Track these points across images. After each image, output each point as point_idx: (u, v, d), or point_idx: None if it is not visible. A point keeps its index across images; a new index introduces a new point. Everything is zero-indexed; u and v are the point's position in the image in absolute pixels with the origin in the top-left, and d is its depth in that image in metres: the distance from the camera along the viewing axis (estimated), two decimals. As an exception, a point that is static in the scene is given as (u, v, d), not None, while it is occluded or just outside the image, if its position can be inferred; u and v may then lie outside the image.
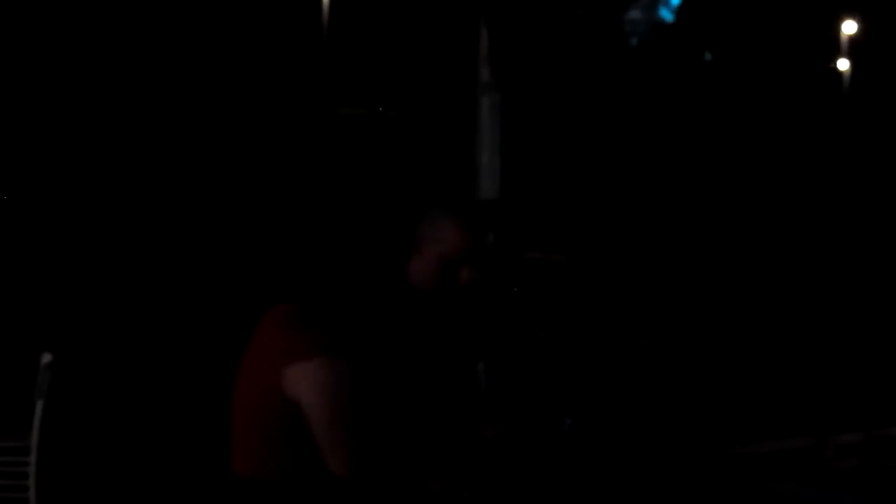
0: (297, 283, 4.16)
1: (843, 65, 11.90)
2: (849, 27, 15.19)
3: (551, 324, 7.70)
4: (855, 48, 12.18)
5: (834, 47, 12.32)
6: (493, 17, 9.13)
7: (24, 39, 17.72)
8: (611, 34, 9.70)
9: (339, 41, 16.92)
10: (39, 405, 6.29)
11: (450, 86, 10.25)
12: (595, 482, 7.94)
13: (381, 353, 4.14)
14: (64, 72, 18.06)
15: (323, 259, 4.42)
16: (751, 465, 9.05)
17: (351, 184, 10.82)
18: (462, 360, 4.41)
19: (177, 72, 15.70)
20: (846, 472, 8.98)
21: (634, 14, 10.21)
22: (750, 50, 11.73)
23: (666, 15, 10.36)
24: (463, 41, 9.51)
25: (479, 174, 9.10)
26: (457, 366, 4.40)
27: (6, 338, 10.06)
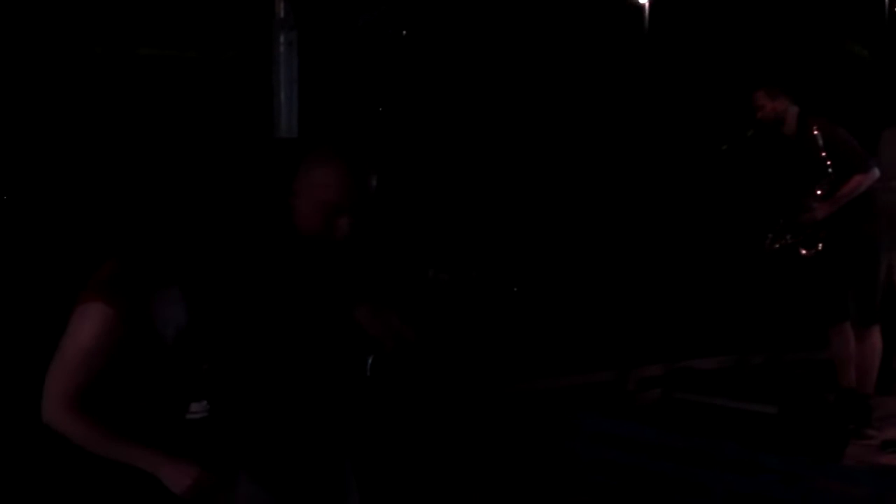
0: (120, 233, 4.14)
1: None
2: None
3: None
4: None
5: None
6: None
7: None
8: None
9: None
10: None
11: (247, 24, 10.00)
12: (401, 417, 7.92)
13: (239, 293, 3.99)
14: None
15: (144, 207, 4.26)
16: (556, 398, 9.15)
17: (153, 126, 10.51)
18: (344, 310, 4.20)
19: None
20: (648, 403, 9.17)
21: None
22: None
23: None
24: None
25: (276, 112, 8.96)
26: (336, 312, 4.18)
27: None
